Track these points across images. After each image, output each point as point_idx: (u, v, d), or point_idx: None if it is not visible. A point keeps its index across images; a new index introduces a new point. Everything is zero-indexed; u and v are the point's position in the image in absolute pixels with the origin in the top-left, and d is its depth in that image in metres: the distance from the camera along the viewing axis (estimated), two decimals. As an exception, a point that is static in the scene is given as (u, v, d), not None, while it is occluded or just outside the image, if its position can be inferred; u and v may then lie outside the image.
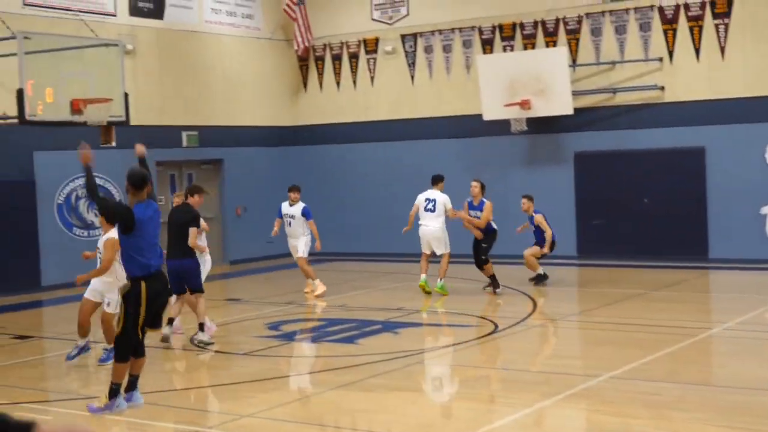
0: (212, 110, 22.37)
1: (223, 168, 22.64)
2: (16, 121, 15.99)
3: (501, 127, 21.00)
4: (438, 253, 16.42)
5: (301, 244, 16.93)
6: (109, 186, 19.92)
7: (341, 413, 9.38)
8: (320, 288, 16.83)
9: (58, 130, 17.88)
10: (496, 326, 13.48)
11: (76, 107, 16.19)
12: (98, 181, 19.28)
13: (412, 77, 22.83)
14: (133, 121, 18.40)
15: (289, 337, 13.30)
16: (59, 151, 18.92)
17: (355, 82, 23.54)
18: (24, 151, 18.47)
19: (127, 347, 9.22)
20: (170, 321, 12.90)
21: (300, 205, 16.98)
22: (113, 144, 17.72)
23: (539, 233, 17.31)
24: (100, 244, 11.36)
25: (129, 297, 9.18)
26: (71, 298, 12.51)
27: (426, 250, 16.52)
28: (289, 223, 17.03)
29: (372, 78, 23.33)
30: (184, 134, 21.70)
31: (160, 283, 9.32)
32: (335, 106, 23.86)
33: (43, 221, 18.79)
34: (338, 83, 23.82)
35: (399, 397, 10.06)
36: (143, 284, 9.14)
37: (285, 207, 17.11)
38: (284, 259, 22.70)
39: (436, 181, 16.74)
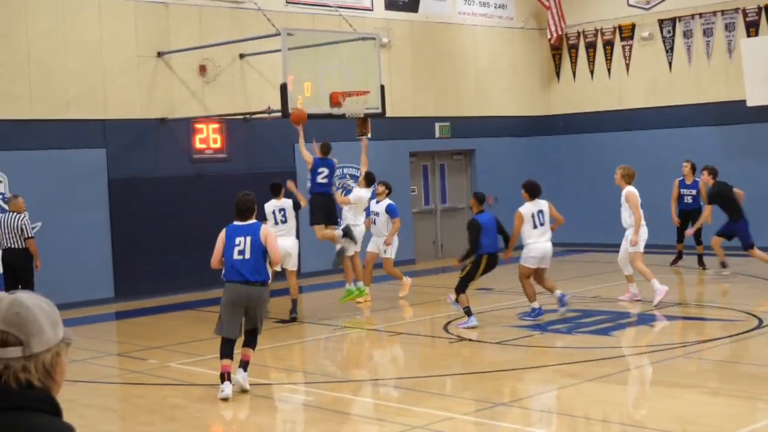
0: (464, 101, 22.50)
1: (474, 158, 22.74)
2: (279, 114, 16.68)
3: (766, 113, 20.00)
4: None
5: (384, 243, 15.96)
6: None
7: (593, 405, 9.21)
8: (406, 288, 16.13)
9: (316, 123, 18.49)
10: (761, 321, 12.84)
11: (335, 100, 16.64)
12: (350, 171, 20.09)
13: (670, 63, 22.08)
14: (388, 113, 18.79)
15: (542, 327, 13.18)
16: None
17: (609, 70, 23.04)
18: (287, 143, 19.22)
19: None
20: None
21: (386, 202, 16.11)
22: (369, 135, 18.15)
23: None
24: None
25: None
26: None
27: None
28: (374, 221, 16.18)
29: (627, 65, 22.75)
30: (436, 125, 21.96)
31: None
32: (589, 95, 23.43)
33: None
34: (592, 72, 23.38)
35: (655, 392, 9.79)
36: None
37: (372, 203, 16.14)
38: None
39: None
